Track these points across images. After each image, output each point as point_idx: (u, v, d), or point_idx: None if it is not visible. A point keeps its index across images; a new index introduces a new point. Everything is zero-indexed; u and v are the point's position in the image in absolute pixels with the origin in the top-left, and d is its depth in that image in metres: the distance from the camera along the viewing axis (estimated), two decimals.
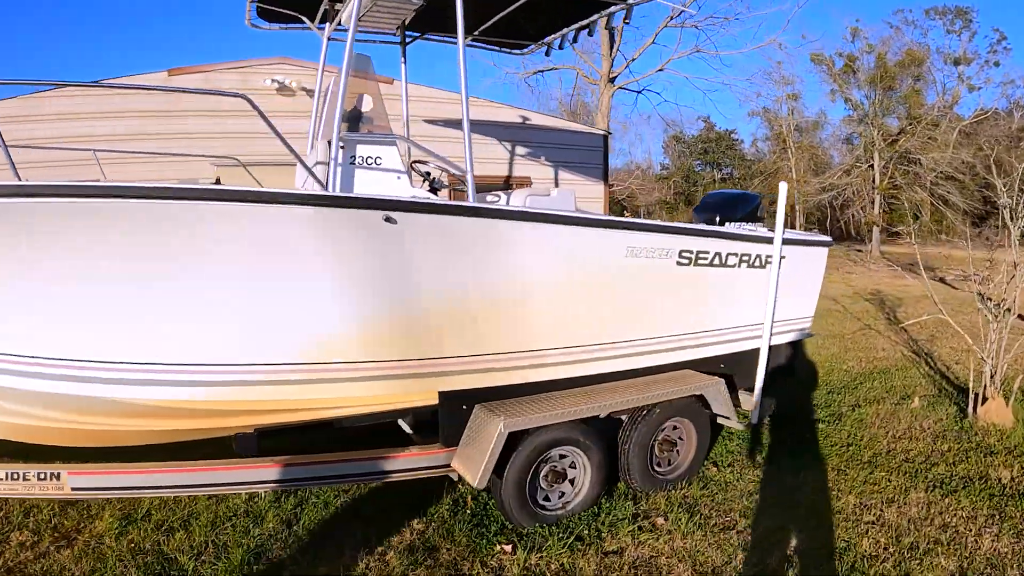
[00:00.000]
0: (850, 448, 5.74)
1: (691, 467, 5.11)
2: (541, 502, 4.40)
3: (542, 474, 4.38)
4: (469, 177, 4.59)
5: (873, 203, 31.84)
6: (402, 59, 6.65)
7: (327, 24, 5.88)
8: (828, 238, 6.11)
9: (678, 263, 4.89)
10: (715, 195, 7.50)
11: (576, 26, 6.32)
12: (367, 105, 4.90)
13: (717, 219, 6.22)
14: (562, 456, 4.44)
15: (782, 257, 5.53)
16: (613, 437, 4.86)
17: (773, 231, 5.49)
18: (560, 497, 4.49)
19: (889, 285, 20.16)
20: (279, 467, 4.09)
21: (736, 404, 5.76)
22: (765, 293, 5.50)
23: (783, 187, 5.24)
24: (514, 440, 4.15)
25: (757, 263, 5.38)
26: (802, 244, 5.79)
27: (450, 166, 5.00)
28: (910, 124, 30.93)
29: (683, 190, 54.89)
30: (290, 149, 3.78)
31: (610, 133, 13.78)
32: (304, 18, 6.13)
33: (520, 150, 12.58)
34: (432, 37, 6.79)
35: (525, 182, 12.42)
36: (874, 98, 31.77)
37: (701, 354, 5.38)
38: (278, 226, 3.60)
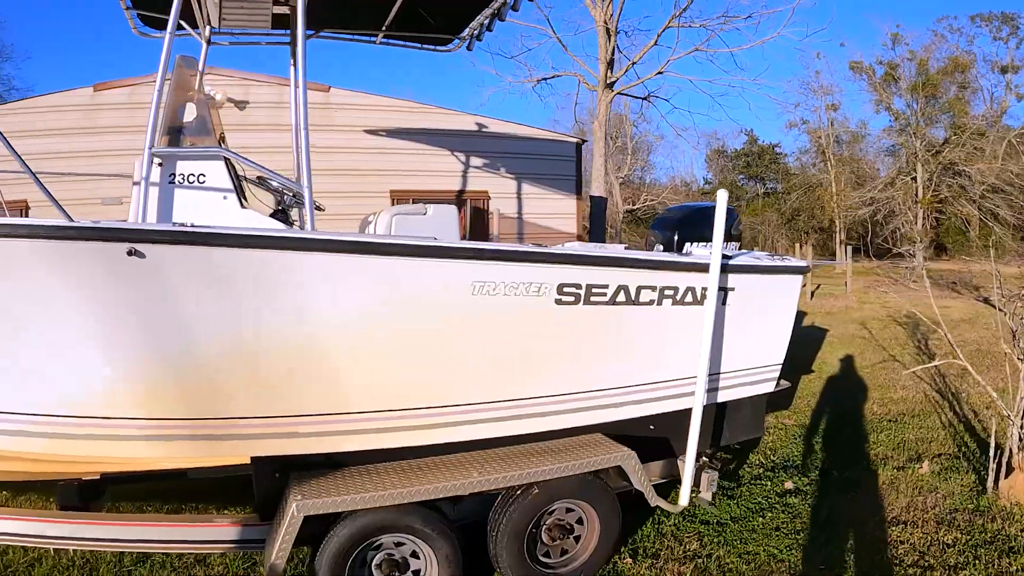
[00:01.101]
0: (821, 536, 4.34)
1: (593, 559, 3.87)
2: None
3: (374, 563, 3.41)
4: (307, 194, 3.73)
5: (916, 218, 29.51)
6: (291, 60, 5.66)
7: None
8: (803, 263, 4.74)
9: (558, 301, 3.61)
10: (676, 209, 6.28)
11: (487, 12, 5.20)
12: (190, 115, 4.23)
13: (675, 239, 5.00)
14: (399, 544, 3.43)
15: (729, 289, 4.24)
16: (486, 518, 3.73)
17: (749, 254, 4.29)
18: None
19: (928, 307, 18.16)
20: (83, 524, 3.41)
21: (677, 476, 4.48)
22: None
23: (722, 196, 3.96)
24: (328, 521, 3.27)
25: (689, 298, 4.09)
26: (762, 272, 4.46)
27: (286, 182, 4.04)
28: (955, 134, 28.56)
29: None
30: (35, 179, 2.99)
31: (585, 140, 12.50)
32: (185, 24, 5.31)
33: (476, 161, 11.36)
34: (329, 35, 5.93)
35: (482, 197, 11.32)
36: (916, 107, 29.50)
37: (618, 415, 4.09)
38: (9, 262, 2.93)
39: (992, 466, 4.84)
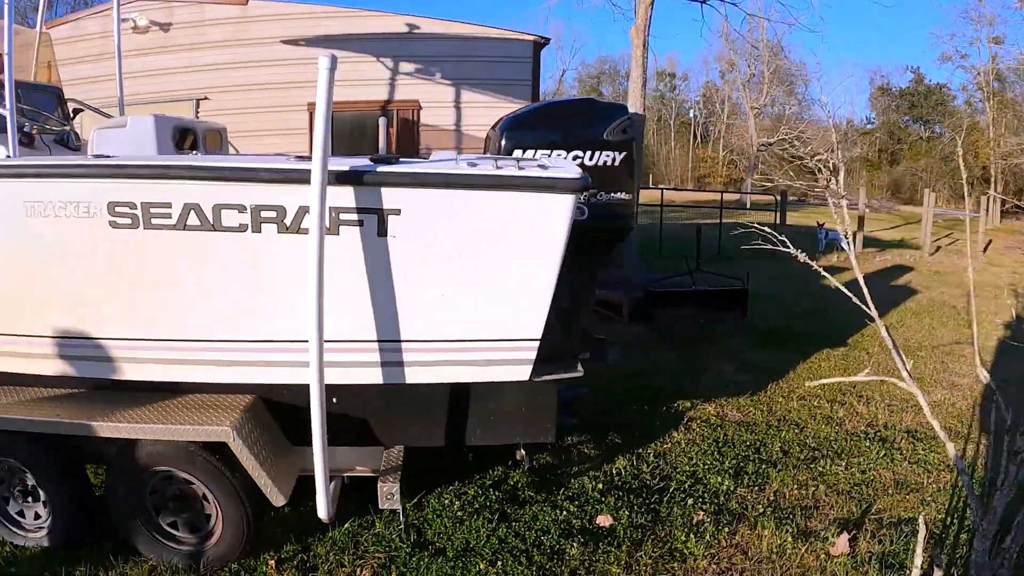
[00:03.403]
0: None
1: (229, 547, 2.97)
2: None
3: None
4: (9, 117, 3.15)
5: None
6: None
7: None
8: (573, 172, 2.59)
9: (113, 224, 2.76)
10: (530, 107, 4.38)
11: None
12: None
13: (502, 146, 3.30)
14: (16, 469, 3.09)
15: (388, 212, 2.48)
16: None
17: None
18: (36, 519, 3.14)
19: None
20: None
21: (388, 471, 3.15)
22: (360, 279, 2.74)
23: (323, 62, 2.23)
24: None
25: (296, 226, 2.38)
26: (466, 186, 2.61)
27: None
28: None
29: (887, 147, 47.08)
30: None
31: (547, 40, 10.13)
32: None
33: (407, 67, 9.82)
34: None
35: (411, 107, 9.68)
36: None
37: (270, 377, 2.98)
38: None
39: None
